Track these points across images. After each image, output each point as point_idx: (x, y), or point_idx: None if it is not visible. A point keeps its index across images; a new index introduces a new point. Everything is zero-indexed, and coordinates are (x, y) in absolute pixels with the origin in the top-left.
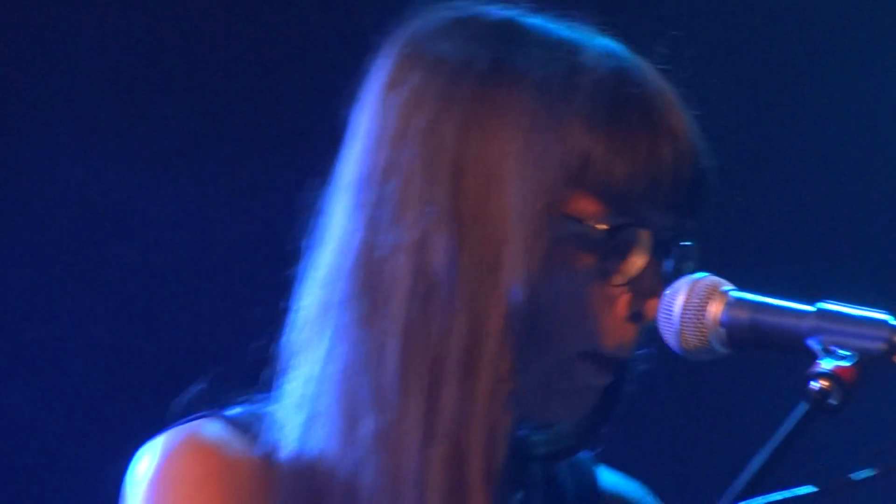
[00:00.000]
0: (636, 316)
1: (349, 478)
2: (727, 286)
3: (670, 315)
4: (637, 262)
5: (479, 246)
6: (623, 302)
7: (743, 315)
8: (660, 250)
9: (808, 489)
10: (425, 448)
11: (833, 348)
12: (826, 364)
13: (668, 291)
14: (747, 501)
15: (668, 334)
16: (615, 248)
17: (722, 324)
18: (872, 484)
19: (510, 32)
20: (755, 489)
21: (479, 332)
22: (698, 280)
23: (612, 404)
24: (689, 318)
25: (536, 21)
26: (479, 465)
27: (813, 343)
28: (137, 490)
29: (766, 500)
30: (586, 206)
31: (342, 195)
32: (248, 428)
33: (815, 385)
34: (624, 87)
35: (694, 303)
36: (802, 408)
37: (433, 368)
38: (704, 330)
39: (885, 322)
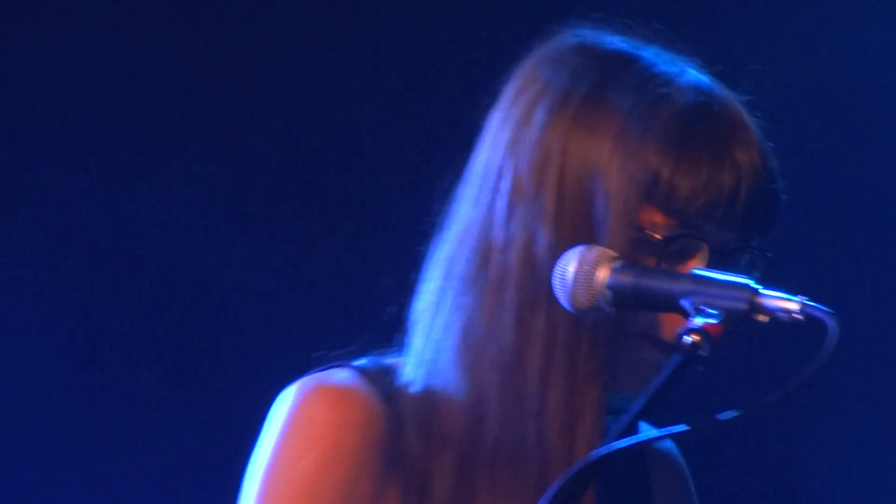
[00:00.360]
0: None
1: (473, 414)
2: (613, 255)
3: (564, 278)
4: (690, 266)
5: (574, 245)
6: None
7: (626, 279)
8: (714, 261)
9: (680, 428)
10: (545, 387)
11: (703, 308)
12: (697, 321)
13: (562, 259)
14: (630, 439)
15: (562, 295)
16: (673, 255)
17: (608, 287)
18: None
19: (615, 63)
20: (635, 429)
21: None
22: (589, 249)
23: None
24: (580, 282)
25: (643, 53)
26: (590, 401)
27: (686, 303)
28: (273, 431)
29: (645, 437)
30: (652, 217)
31: (468, 187)
32: (374, 376)
33: (688, 339)
34: (698, 120)
35: (584, 269)
36: (676, 358)
37: (545, 346)
38: (593, 291)
39: (747, 285)
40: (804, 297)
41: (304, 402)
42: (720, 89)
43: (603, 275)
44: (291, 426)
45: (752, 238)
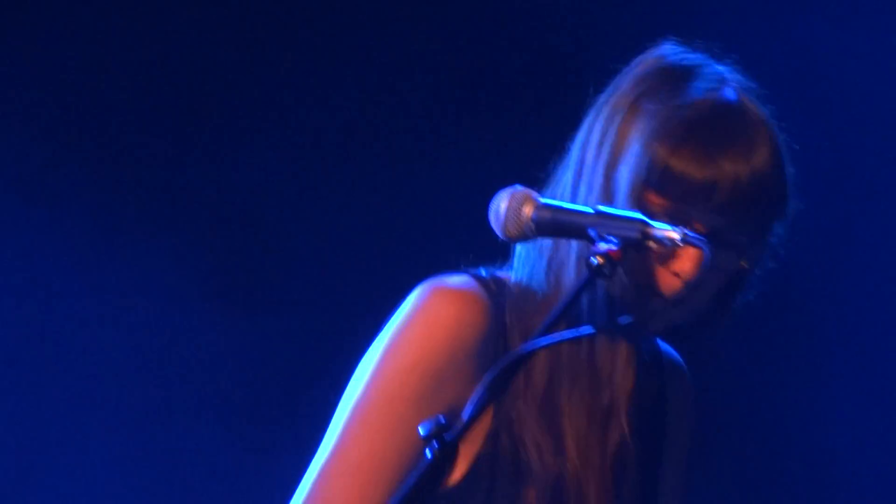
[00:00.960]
0: (678, 274)
1: (541, 299)
2: (537, 195)
3: (497, 213)
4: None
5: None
6: (672, 266)
7: (546, 214)
8: (715, 243)
9: (587, 329)
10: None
11: (606, 236)
12: (601, 246)
13: (496, 198)
14: (543, 339)
15: (497, 226)
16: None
17: (532, 220)
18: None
19: (665, 75)
20: (550, 331)
21: None
22: (517, 190)
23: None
24: (510, 216)
25: (695, 69)
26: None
27: (592, 233)
28: (396, 322)
29: (559, 337)
30: (652, 198)
31: (568, 163)
32: (486, 283)
33: (594, 260)
34: (706, 125)
35: (513, 205)
36: (584, 275)
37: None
38: (520, 223)
39: (640, 219)
40: (685, 230)
41: (426, 299)
42: (740, 106)
43: (528, 210)
44: (413, 318)
45: (739, 228)
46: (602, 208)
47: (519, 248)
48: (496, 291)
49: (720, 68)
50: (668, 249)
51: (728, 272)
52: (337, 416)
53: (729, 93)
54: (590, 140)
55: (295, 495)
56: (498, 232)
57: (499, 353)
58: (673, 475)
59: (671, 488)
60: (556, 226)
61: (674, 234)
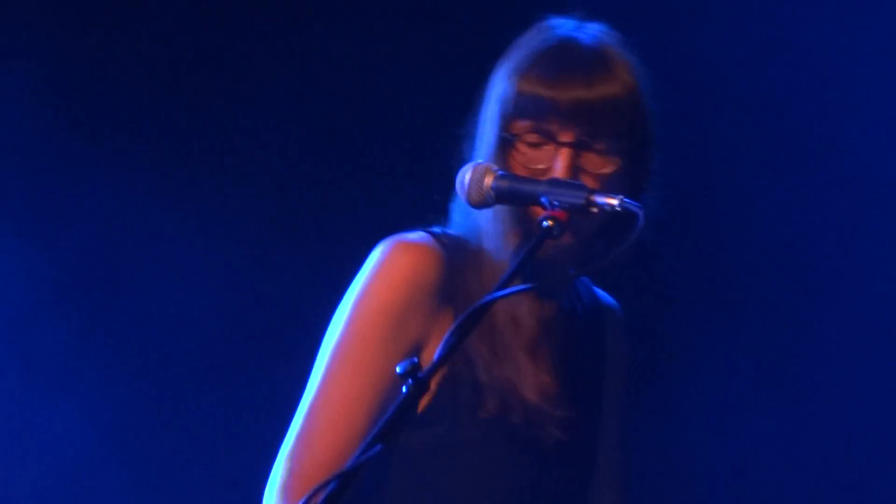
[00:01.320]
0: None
1: (479, 254)
2: (497, 168)
3: (462, 183)
4: (557, 161)
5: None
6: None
7: (504, 184)
8: (577, 153)
9: (525, 286)
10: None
11: (556, 202)
12: (550, 210)
13: (461, 170)
14: (500, 291)
15: (462, 194)
16: (534, 147)
17: (492, 188)
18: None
19: (533, 33)
20: (506, 284)
21: None
22: (480, 164)
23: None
24: (473, 185)
25: (561, 28)
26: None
27: (544, 199)
28: (363, 274)
29: (516, 289)
30: (519, 124)
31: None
32: (439, 237)
33: (545, 223)
34: (551, 54)
35: (476, 177)
36: (538, 235)
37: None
38: (482, 192)
39: (584, 187)
40: (624, 197)
41: (388, 252)
42: (590, 43)
43: (488, 181)
44: (378, 269)
45: (592, 137)
46: (554, 178)
47: (458, 210)
48: (448, 244)
49: (589, 24)
50: (608, 213)
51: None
52: (318, 360)
53: (581, 34)
54: (483, 97)
55: (287, 433)
56: (463, 198)
57: (452, 295)
58: (614, 394)
59: (613, 404)
60: (512, 194)
61: (613, 200)
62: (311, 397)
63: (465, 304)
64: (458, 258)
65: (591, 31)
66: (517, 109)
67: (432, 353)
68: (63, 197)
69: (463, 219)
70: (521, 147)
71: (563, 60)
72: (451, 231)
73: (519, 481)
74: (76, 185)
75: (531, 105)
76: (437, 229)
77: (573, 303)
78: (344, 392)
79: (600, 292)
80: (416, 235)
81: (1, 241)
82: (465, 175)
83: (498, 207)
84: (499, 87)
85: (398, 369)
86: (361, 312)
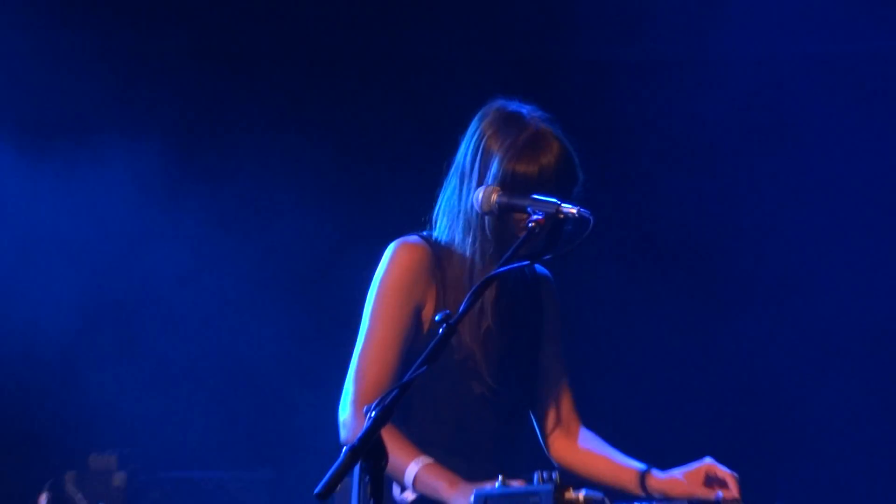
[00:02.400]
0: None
1: (452, 250)
2: (499, 190)
3: (478, 198)
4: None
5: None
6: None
7: (504, 199)
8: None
9: (523, 263)
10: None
11: (538, 211)
12: (534, 217)
13: (477, 190)
14: (498, 269)
15: (477, 205)
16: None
17: (496, 202)
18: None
19: (506, 118)
20: (503, 264)
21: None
22: (489, 187)
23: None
24: (485, 199)
25: (522, 110)
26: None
27: (530, 210)
28: (381, 266)
29: (512, 266)
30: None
31: (453, 169)
32: (427, 238)
33: (531, 225)
34: (539, 139)
35: (487, 193)
36: (524, 234)
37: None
38: (491, 203)
39: (554, 201)
40: (581, 207)
41: (397, 249)
42: (549, 118)
43: (494, 197)
44: (391, 260)
45: (560, 200)
46: (536, 196)
47: (438, 216)
48: (433, 243)
49: (525, 107)
50: (570, 218)
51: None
52: (363, 320)
53: (537, 117)
54: (465, 161)
55: (348, 370)
56: (478, 207)
57: (436, 275)
58: (553, 344)
59: (553, 353)
60: (510, 206)
61: (573, 209)
62: (361, 343)
63: (444, 282)
64: (439, 252)
65: (539, 120)
66: (507, 181)
67: (428, 311)
68: None
69: (444, 229)
70: None
71: (538, 151)
72: (434, 235)
73: (475, 412)
74: None
75: (518, 180)
76: (425, 233)
77: (523, 275)
78: (380, 337)
79: (538, 267)
80: (413, 238)
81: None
82: (480, 193)
83: (479, 222)
84: (493, 166)
85: (436, 318)
86: (384, 287)
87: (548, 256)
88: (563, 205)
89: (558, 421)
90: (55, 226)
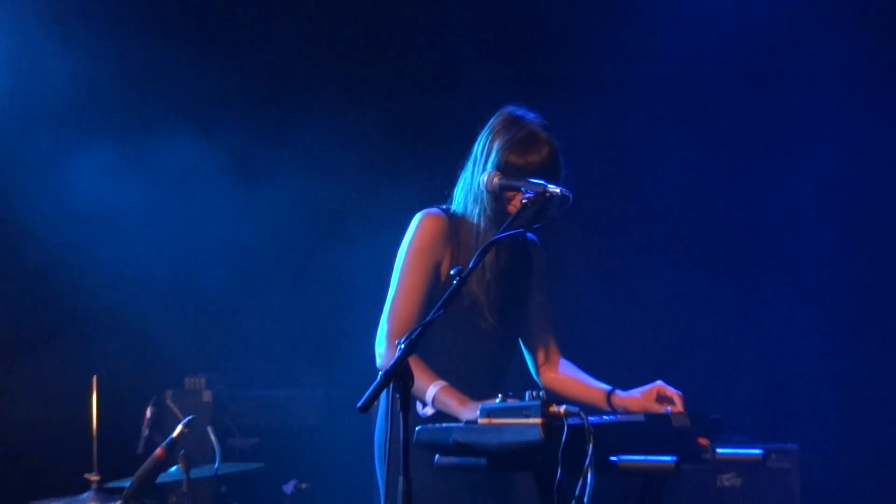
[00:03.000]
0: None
1: (465, 220)
2: (501, 174)
3: (483, 181)
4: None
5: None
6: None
7: (504, 181)
8: (541, 194)
9: (518, 231)
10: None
11: (530, 190)
12: (527, 195)
13: (483, 173)
14: (500, 234)
15: (483, 184)
16: (514, 190)
17: (498, 183)
18: None
19: (512, 121)
20: (504, 230)
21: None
22: (492, 172)
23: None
24: (489, 181)
25: (519, 112)
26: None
27: (524, 189)
28: (409, 233)
29: (511, 232)
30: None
31: (468, 162)
32: (446, 210)
33: (525, 201)
34: (531, 138)
35: (491, 175)
36: (520, 210)
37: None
38: (494, 183)
39: (544, 183)
40: (563, 188)
41: (422, 218)
42: (545, 125)
43: (496, 179)
44: (417, 227)
45: (550, 185)
46: (531, 179)
47: (457, 193)
48: (451, 214)
49: (530, 114)
50: (554, 196)
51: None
52: (394, 274)
53: (535, 121)
54: (476, 151)
55: (382, 313)
56: (484, 188)
57: (451, 240)
58: (540, 293)
59: (541, 302)
60: (508, 186)
61: (557, 189)
62: (392, 292)
63: (458, 244)
64: (454, 221)
65: (537, 123)
66: (505, 168)
67: (445, 267)
68: None
69: (460, 202)
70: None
71: (531, 147)
72: (451, 207)
73: (479, 345)
74: None
75: (513, 168)
76: (444, 206)
77: (517, 241)
78: (407, 287)
79: (530, 234)
80: (435, 209)
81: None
82: (485, 176)
83: (484, 198)
84: (493, 155)
85: (452, 272)
86: (411, 248)
87: (537, 226)
88: (549, 186)
89: (544, 353)
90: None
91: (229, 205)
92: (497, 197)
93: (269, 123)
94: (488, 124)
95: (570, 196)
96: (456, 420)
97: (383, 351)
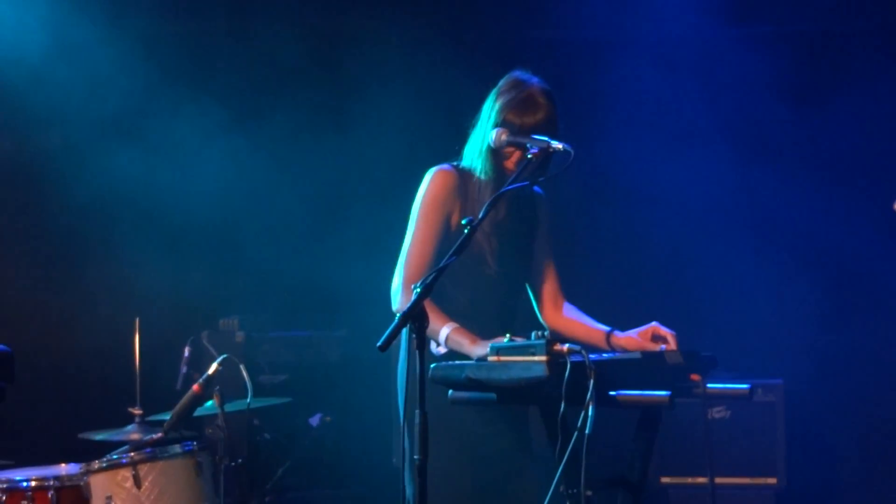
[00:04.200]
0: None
1: (472, 175)
2: (508, 132)
3: (492, 136)
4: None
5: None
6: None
7: (510, 137)
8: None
9: (522, 183)
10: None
11: (533, 146)
12: (532, 150)
13: (491, 130)
14: (507, 187)
15: (490, 140)
16: (519, 146)
17: (504, 139)
18: None
19: (516, 82)
20: (516, 181)
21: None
22: (500, 129)
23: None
24: (497, 137)
25: (529, 81)
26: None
27: (528, 144)
28: (423, 185)
29: (514, 186)
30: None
31: (476, 124)
32: (456, 166)
33: (530, 156)
34: (530, 100)
35: (498, 132)
36: (524, 163)
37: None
38: (501, 139)
39: (547, 140)
40: (565, 143)
41: (434, 173)
42: (544, 89)
43: (504, 135)
44: (430, 180)
45: (552, 137)
46: (535, 135)
47: (467, 150)
48: (461, 169)
49: (534, 78)
50: (558, 152)
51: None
52: (409, 225)
53: (536, 85)
54: (483, 111)
55: (398, 261)
56: (492, 143)
57: (460, 193)
58: (545, 242)
59: (545, 249)
60: (514, 143)
61: (559, 145)
62: (408, 241)
63: (466, 197)
64: (464, 175)
65: (538, 85)
66: (506, 124)
67: (455, 218)
68: None
69: (467, 159)
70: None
71: (533, 105)
72: (461, 163)
73: (487, 290)
74: None
75: (515, 125)
76: (455, 162)
77: (523, 193)
78: (421, 236)
79: (536, 188)
80: (446, 165)
81: None
82: (493, 133)
83: (487, 155)
84: (494, 113)
85: (463, 221)
86: (424, 200)
87: (542, 179)
88: (552, 142)
89: (548, 297)
90: None
91: (263, 161)
92: (497, 153)
93: (308, 86)
94: (496, 87)
95: (572, 151)
96: (468, 358)
97: (399, 295)
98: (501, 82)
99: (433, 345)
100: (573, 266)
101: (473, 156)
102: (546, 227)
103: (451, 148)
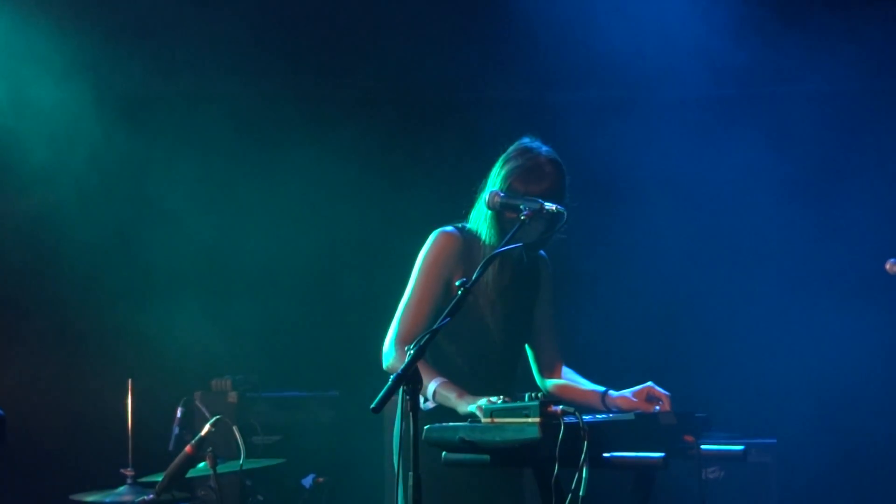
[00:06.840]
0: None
1: (477, 239)
2: (502, 194)
3: (486, 200)
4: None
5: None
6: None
7: (504, 200)
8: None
9: (516, 245)
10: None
11: (527, 208)
12: (525, 212)
13: (486, 194)
14: (501, 249)
15: (486, 204)
16: (513, 208)
17: (499, 202)
18: None
19: (523, 150)
20: (511, 243)
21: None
22: (495, 193)
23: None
24: (492, 200)
25: (535, 148)
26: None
27: (522, 206)
28: (424, 248)
29: (511, 247)
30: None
31: (482, 190)
32: (461, 228)
33: (523, 217)
34: (537, 169)
35: (493, 194)
36: (518, 222)
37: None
38: (496, 202)
39: (539, 201)
40: (557, 204)
41: (437, 236)
42: (552, 159)
43: (498, 199)
44: (432, 243)
45: (555, 205)
46: (528, 197)
47: (473, 214)
48: (465, 232)
49: (544, 147)
50: (550, 213)
51: (551, 219)
52: (408, 285)
53: (544, 155)
54: (491, 176)
55: (393, 319)
56: (488, 207)
57: (464, 257)
58: (547, 306)
59: (546, 312)
60: (508, 206)
61: (552, 207)
62: (405, 301)
63: (470, 261)
64: (469, 238)
65: (545, 153)
66: (512, 195)
67: (454, 282)
68: None
69: (472, 222)
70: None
71: (540, 174)
72: (466, 226)
73: (488, 353)
74: None
75: (518, 195)
76: (459, 225)
77: (522, 256)
78: (418, 297)
79: (541, 252)
80: (449, 227)
81: None
82: (487, 195)
83: (491, 218)
84: (503, 181)
85: (457, 283)
86: (425, 261)
87: (538, 243)
88: (545, 203)
89: (546, 359)
90: None
91: (257, 220)
92: (501, 218)
93: (306, 136)
94: (504, 153)
95: (565, 213)
96: (456, 412)
97: (391, 353)
98: (511, 149)
99: (421, 399)
100: (570, 325)
101: (479, 220)
102: (548, 290)
103: (450, 212)
